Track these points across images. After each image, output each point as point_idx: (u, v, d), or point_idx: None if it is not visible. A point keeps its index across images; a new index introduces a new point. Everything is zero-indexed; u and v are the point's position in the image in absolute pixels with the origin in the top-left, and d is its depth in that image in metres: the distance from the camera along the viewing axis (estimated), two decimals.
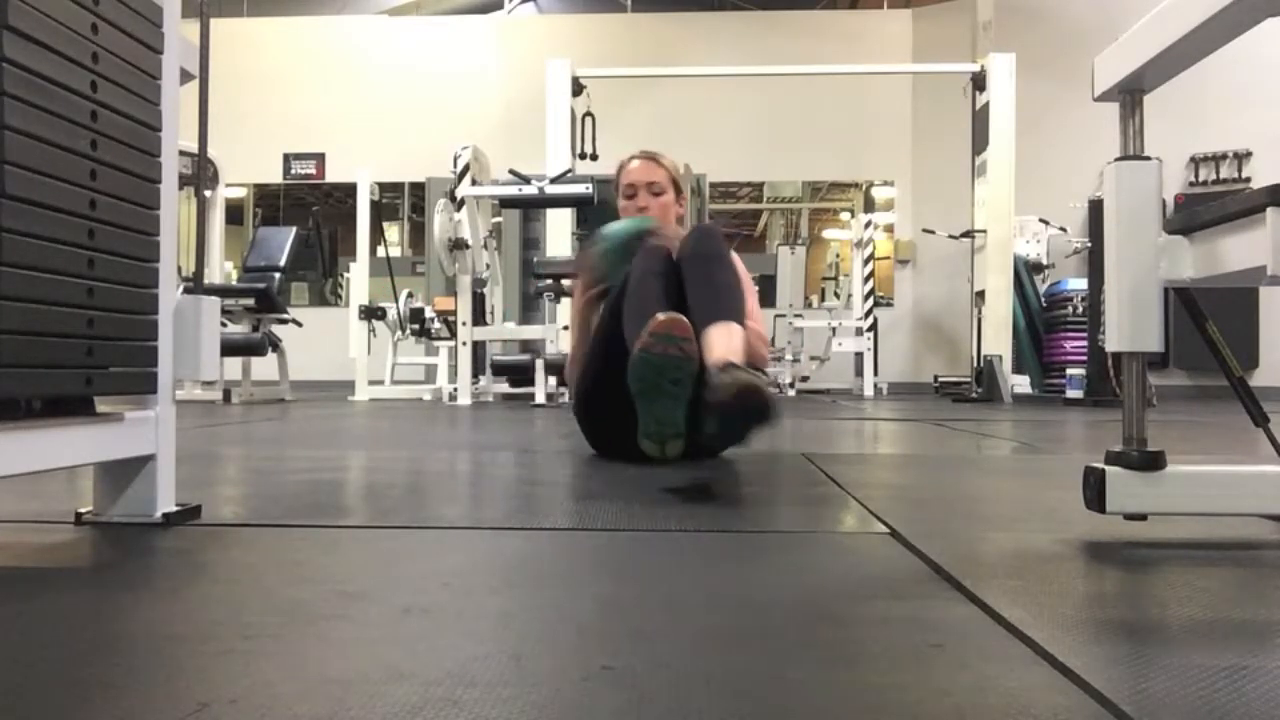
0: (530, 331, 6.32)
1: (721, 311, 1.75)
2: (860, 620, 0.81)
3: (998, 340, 6.61)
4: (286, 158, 9.78)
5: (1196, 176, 8.53)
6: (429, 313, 6.74)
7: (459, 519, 1.32)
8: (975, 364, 6.82)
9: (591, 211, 6.38)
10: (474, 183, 5.59)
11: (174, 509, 1.23)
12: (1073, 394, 6.15)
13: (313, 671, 0.65)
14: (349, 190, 8.25)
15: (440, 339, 6.85)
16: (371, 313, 6.60)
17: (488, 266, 6.06)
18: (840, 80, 8.84)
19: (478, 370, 6.14)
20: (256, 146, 9.44)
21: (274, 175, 9.81)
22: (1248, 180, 8.33)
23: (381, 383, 7.05)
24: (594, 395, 2.11)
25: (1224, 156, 8.43)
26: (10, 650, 0.71)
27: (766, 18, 9.80)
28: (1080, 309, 7.08)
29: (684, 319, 1.63)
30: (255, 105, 9.44)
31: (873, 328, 7.69)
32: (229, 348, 5.53)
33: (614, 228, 2.11)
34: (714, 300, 1.77)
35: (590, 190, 5.28)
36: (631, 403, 1.74)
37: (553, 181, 5.39)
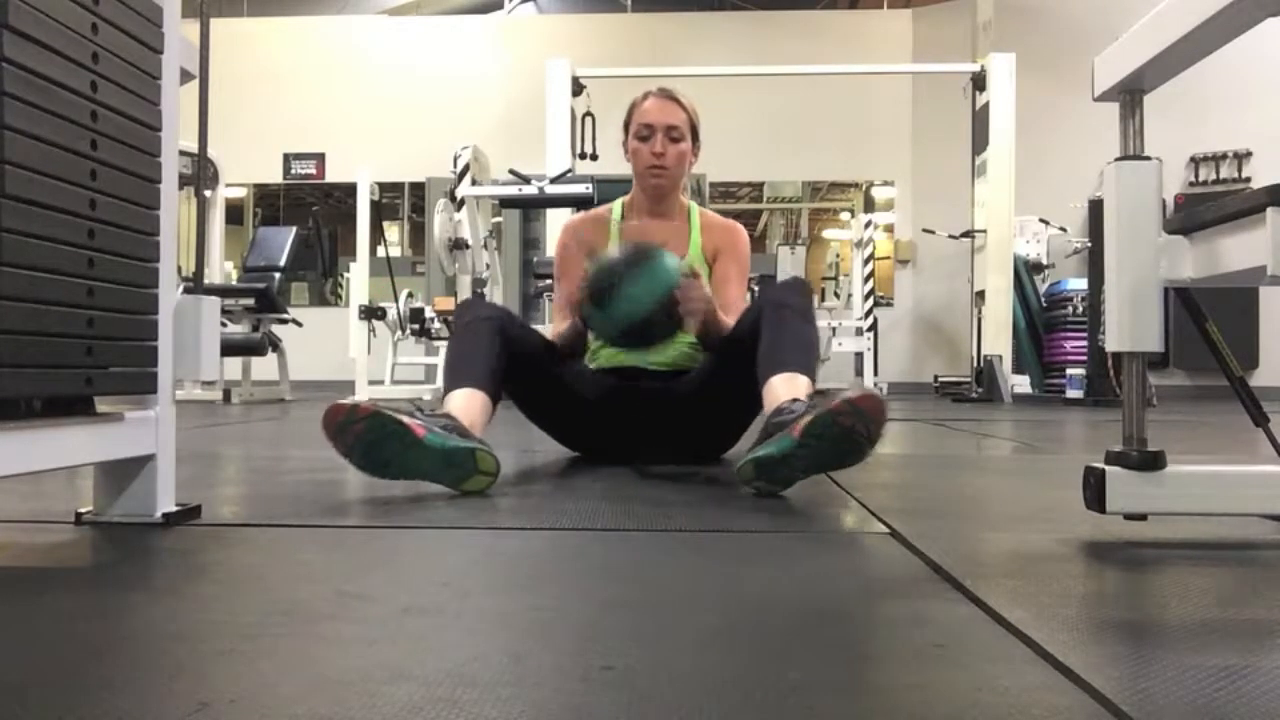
0: None
1: (788, 364, 1.70)
2: (860, 620, 0.81)
3: (998, 340, 6.60)
4: (286, 158, 9.78)
5: (1196, 176, 8.52)
6: (429, 313, 6.74)
7: (459, 519, 1.32)
8: (975, 364, 6.82)
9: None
10: (474, 183, 5.59)
11: (174, 509, 1.23)
12: (1073, 394, 6.14)
13: (313, 671, 0.65)
14: (349, 190, 8.24)
15: (440, 339, 6.84)
16: (371, 313, 6.60)
17: (488, 266, 6.05)
18: (840, 80, 8.84)
19: None
20: (256, 146, 9.43)
21: (274, 175, 9.81)
22: (1248, 180, 8.33)
23: (381, 383, 7.04)
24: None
25: (1224, 156, 8.42)
26: (10, 650, 0.71)
27: (766, 18, 9.80)
28: (1080, 309, 7.08)
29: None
30: (255, 105, 9.43)
31: (873, 328, 7.68)
32: (229, 348, 5.52)
33: (633, 291, 1.72)
34: (781, 350, 1.72)
35: (590, 190, 5.28)
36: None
37: (553, 181, 5.38)
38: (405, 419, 1.50)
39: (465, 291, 5.61)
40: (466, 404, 1.70)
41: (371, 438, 1.49)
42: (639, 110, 2.08)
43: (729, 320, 1.94)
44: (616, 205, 2.21)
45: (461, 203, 5.60)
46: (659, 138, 2.04)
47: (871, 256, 7.87)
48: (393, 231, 9.99)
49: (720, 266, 2.12)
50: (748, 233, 2.20)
